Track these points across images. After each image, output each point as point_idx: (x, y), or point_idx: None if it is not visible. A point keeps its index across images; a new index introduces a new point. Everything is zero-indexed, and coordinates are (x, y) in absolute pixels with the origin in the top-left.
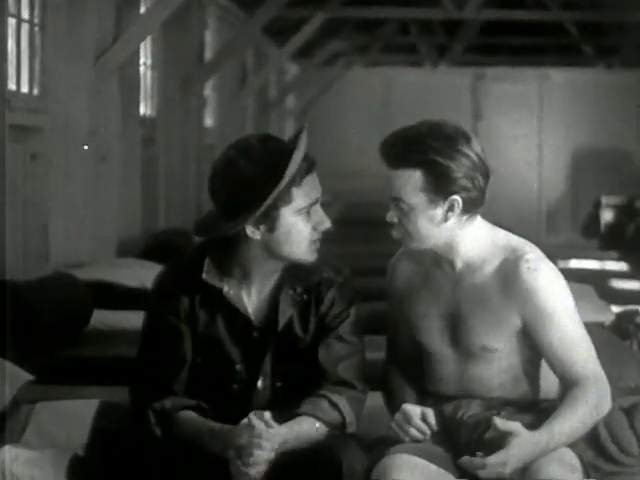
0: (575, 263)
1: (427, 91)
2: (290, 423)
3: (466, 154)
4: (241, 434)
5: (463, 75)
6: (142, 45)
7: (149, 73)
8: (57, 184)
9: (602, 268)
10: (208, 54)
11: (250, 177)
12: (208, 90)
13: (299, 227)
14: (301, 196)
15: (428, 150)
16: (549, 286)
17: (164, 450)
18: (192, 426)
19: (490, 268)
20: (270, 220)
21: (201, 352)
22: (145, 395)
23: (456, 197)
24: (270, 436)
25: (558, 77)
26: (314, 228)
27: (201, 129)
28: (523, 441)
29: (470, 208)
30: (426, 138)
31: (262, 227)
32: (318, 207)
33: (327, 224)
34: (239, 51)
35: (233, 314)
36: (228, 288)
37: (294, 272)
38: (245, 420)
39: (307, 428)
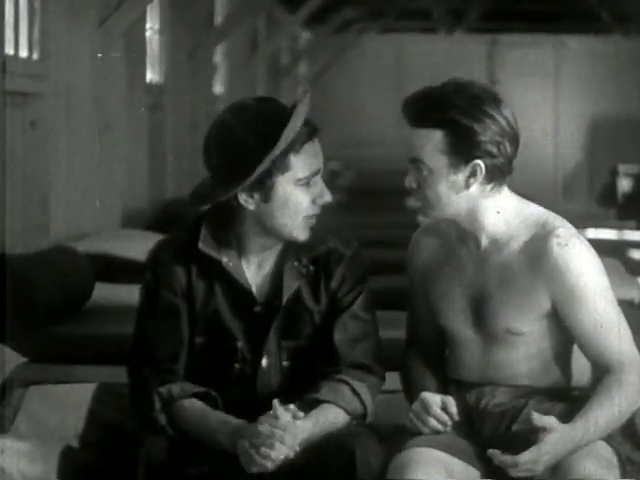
0: (592, 233)
1: (441, 58)
2: (314, 414)
3: (493, 117)
4: (260, 432)
5: (478, 42)
6: (149, 8)
7: (156, 38)
8: (58, 153)
9: (620, 238)
10: (218, 19)
11: (244, 139)
12: (218, 56)
13: (297, 199)
14: (300, 165)
15: (451, 109)
16: (581, 263)
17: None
18: (200, 417)
19: (518, 244)
20: (265, 188)
21: (200, 331)
22: (148, 378)
23: (479, 162)
24: (294, 430)
25: (575, 44)
26: (313, 201)
27: (210, 96)
28: (558, 437)
29: (495, 176)
30: (450, 96)
31: (256, 196)
32: (319, 178)
33: (327, 197)
34: (250, 16)
35: (233, 287)
36: (227, 259)
37: (298, 242)
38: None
39: (332, 418)
